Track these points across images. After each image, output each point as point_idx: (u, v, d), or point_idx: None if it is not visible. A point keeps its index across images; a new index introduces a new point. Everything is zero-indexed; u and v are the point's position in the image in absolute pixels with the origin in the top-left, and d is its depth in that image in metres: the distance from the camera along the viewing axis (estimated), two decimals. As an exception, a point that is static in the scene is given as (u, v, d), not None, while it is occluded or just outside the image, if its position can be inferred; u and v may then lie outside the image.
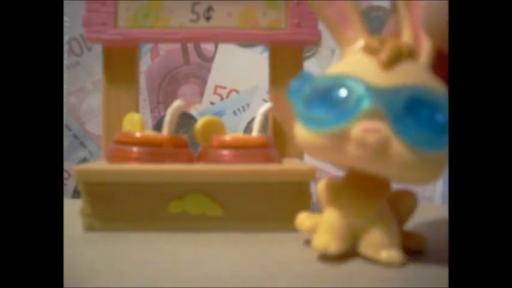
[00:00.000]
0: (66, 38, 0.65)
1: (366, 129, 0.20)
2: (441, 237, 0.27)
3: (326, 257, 0.23)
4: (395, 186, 0.24)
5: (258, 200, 0.29)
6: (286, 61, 0.37)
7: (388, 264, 0.22)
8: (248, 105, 0.66)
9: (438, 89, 0.21)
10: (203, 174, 0.28)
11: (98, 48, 0.62)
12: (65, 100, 0.65)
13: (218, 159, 0.31)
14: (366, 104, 0.20)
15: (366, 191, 0.23)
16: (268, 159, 0.31)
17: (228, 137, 0.32)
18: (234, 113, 0.66)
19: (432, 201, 0.63)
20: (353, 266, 0.22)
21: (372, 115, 0.20)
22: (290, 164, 0.31)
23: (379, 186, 0.23)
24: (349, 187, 0.23)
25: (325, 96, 0.22)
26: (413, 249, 0.24)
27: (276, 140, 0.36)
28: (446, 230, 0.17)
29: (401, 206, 0.24)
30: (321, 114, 0.21)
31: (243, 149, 0.31)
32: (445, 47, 0.21)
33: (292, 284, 0.20)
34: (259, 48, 0.66)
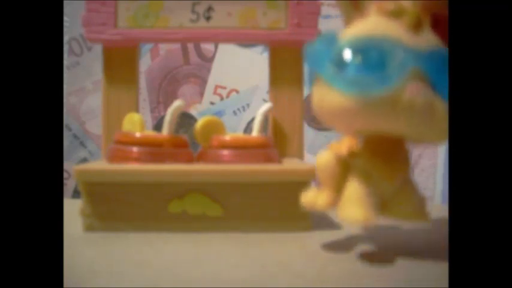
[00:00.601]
0: (66, 38, 0.65)
1: (414, 91, 0.20)
2: (441, 237, 0.27)
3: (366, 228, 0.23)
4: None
5: (258, 200, 0.29)
6: (286, 61, 0.37)
7: (422, 221, 0.23)
8: (248, 105, 0.66)
9: (403, 37, 0.21)
10: (203, 174, 0.28)
11: (98, 48, 0.62)
12: (65, 100, 0.65)
13: (218, 159, 0.31)
14: (410, 66, 0.20)
15: (390, 156, 0.22)
16: (268, 159, 0.31)
17: (228, 137, 0.32)
18: (234, 113, 0.66)
19: (432, 201, 0.63)
20: (353, 266, 0.22)
21: (415, 77, 0.20)
22: (290, 164, 0.31)
23: (399, 149, 0.23)
24: (370, 154, 0.23)
25: (364, 58, 0.21)
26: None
27: (276, 140, 0.36)
28: (446, 230, 0.17)
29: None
30: (360, 76, 0.20)
31: (243, 149, 0.31)
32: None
33: (292, 284, 0.20)
34: (259, 48, 0.66)
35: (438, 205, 0.55)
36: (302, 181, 0.29)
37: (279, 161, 0.32)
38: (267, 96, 0.61)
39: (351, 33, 0.22)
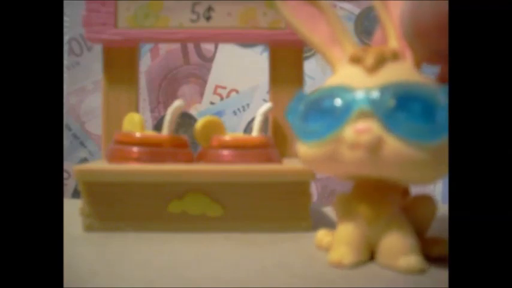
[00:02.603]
0: (66, 38, 0.65)
1: (358, 130, 0.20)
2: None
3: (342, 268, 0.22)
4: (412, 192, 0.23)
5: (258, 200, 0.29)
6: (286, 61, 0.37)
7: (408, 272, 0.21)
8: (248, 105, 0.66)
9: (427, 83, 0.21)
10: (203, 174, 0.28)
11: (98, 48, 0.62)
12: (65, 100, 0.65)
13: (218, 159, 0.31)
14: (355, 107, 0.20)
15: (376, 198, 0.22)
16: (268, 159, 0.31)
17: (228, 137, 0.32)
18: (234, 113, 0.66)
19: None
20: (353, 266, 0.22)
21: (362, 117, 0.20)
22: (290, 164, 0.31)
23: (389, 191, 0.22)
24: (358, 196, 0.23)
25: (317, 108, 0.22)
26: (436, 255, 0.22)
27: (276, 140, 0.36)
28: (446, 230, 0.17)
29: (419, 211, 0.23)
30: (315, 125, 0.22)
31: (243, 149, 0.31)
32: (423, 50, 0.21)
33: (292, 284, 0.20)
34: (259, 48, 0.66)
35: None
36: (302, 181, 0.29)
37: (279, 161, 0.32)
38: (267, 96, 0.61)
39: (320, 87, 0.23)
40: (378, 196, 0.22)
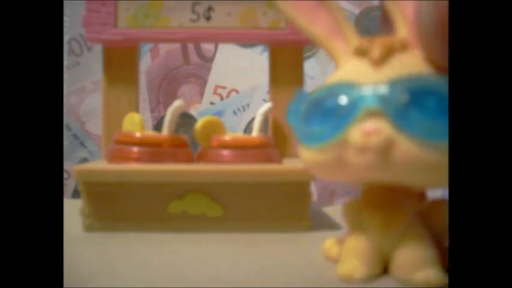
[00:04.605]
0: (66, 38, 0.65)
1: (365, 132, 0.18)
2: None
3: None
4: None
5: (258, 200, 0.29)
6: (286, 61, 0.37)
7: (426, 286, 0.19)
8: (248, 105, 0.66)
9: (441, 75, 0.19)
10: (203, 174, 0.28)
11: (98, 48, 0.62)
12: (65, 100, 0.65)
13: (218, 159, 0.31)
14: (362, 105, 0.18)
15: (388, 206, 0.20)
16: (268, 159, 0.31)
17: (228, 137, 0.32)
18: (234, 113, 0.66)
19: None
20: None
21: (370, 116, 0.18)
22: (290, 164, 0.31)
23: (402, 198, 0.20)
24: (368, 205, 0.21)
25: (319, 108, 0.20)
26: None
27: (276, 140, 0.36)
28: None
29: (437, 217, 0.21)
30: (317, 127, 0.20)
31: (243, 149, 0.31)
32: (433, 54, 0.19)
33: (292, 285, 0.20)
34: (259, 48, 0.66)
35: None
36: (302, 181, 0.29)
37: (279, 161, 0.32)
38: (267, 96, 0.61)
39: (323, 84, 0.21)
40: (390, 203, 0.20)
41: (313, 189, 0.64)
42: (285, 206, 0.29)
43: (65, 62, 0.65)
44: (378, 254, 0.20)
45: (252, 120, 0.50)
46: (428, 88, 0.18)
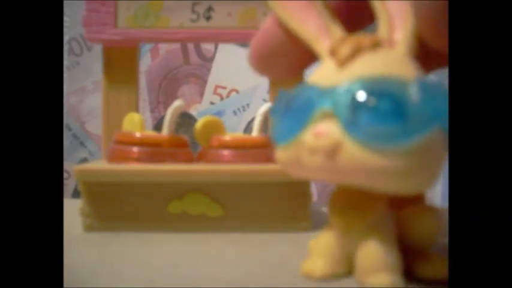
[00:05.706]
0: (66, 38, 0.65)
1: (315, 134, 0.18)
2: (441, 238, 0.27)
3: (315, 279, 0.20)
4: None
5: (258, 200, 0.29)
6: (286, 61, 0.37)
7: None
8: (248, 105, 0.66)
9: (403, 76, 0.18)
10: (203, 174, 0.28)
11: (98, 48, 0.62)
12: (65, 100, 0.65)
13: (218, 159, 0.31)
14: (318, 107, 0.18)
15: (350, 208, 0.20)
16: (268, 159, 0.31)
17: (228, 137, 0.32)
18: (234, 113, 0.66)
19: (432, 202, 0.63)
20: (353, 266, 0.22)
21: (324, 118, 0.18)
22: (290, 164, 0.31)
23: (367, 200, 0.20)
24: (337, 203, 0.21)
25: (288, 108, 0.20)
26: (430, 278, 0.20)
27: (276, 140, 0.36)
28: (446, 230, 0.17)
29: (415, 224, 0.20)
30: (284, 127, 0.20)
31: (243, 149, 0.31)
32: (429, 31, 0.19)
33: (292, 284, 0.20)
34: (259, 48, 0.66)
35: (438, 205, 0.55)
36: (302, 181, 0.29)
37: (279, 161, 0.32)
38: (267, 96, 0.61)
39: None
40: (353, 204, 0.20)
41: (313, 189, 0.64)
42: (285, 206, 0.29)
43: (65, 62, 0.65)
44: (343, 254, 0.20)
45: (252, 120, 0.50)
46: (386, 91, 0.17)
